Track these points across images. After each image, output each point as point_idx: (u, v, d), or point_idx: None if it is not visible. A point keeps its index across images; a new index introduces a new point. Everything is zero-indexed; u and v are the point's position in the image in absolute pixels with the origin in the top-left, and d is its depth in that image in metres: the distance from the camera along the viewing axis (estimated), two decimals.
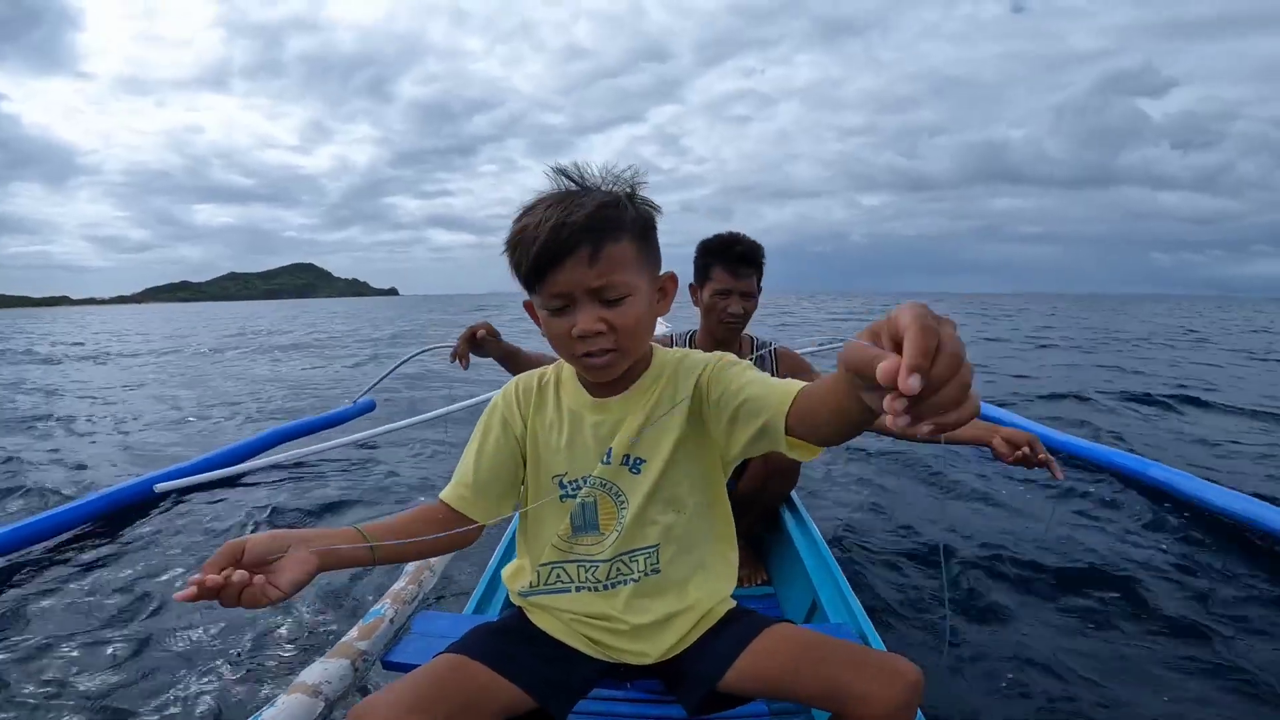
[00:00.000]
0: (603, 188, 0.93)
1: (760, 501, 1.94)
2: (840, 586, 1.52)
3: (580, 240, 0.86)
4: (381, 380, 4.83)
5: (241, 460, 3.42)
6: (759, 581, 1.95)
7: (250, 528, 2.87)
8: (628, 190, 0.94)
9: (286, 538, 0.79)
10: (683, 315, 1.97)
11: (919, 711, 1.03)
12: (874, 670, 0.87)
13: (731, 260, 1.83)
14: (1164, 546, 2.49)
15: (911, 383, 0.44)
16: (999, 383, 7.03)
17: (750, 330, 1.99)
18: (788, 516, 1.98)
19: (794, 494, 2.07)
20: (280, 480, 3.44)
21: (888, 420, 0.47)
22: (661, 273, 0.97)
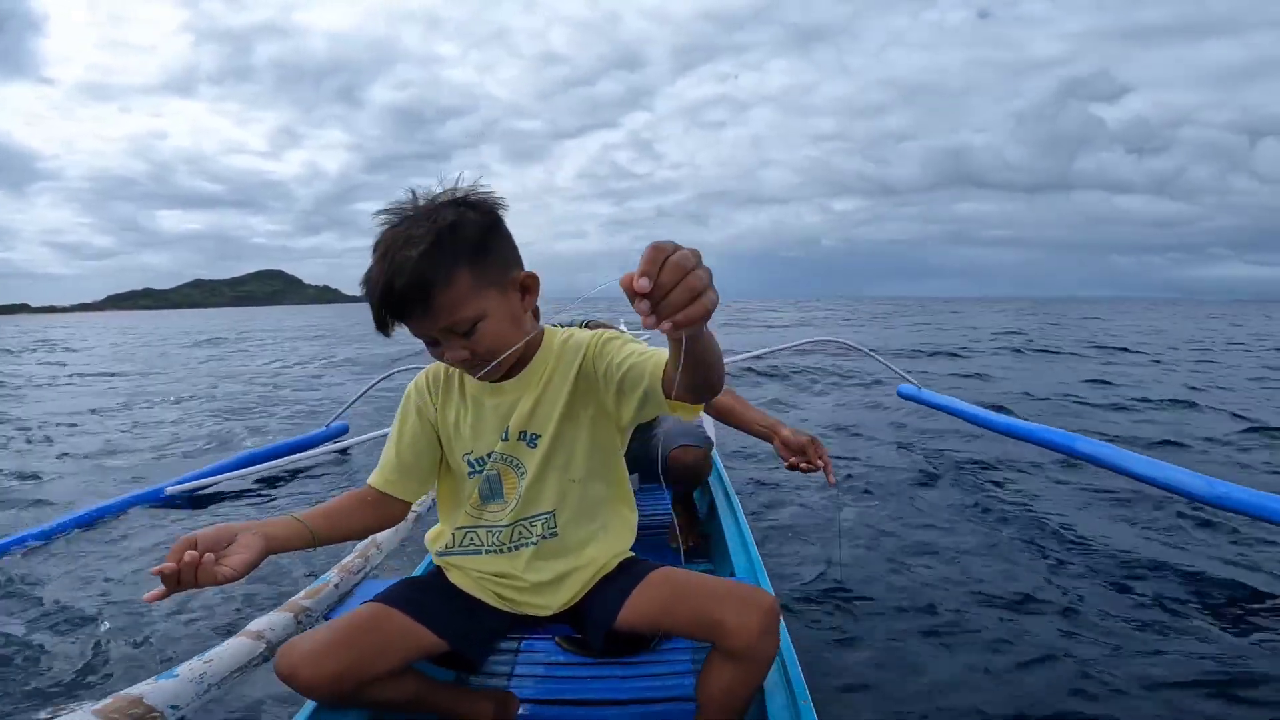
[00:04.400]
0: (428, 207, 0.95)
1: (684, 491, 2.11)
2: (753, 558, 1.66)
3: (408, 302, 0.92)
4: (353, 403, 4.92)
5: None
6: (693, 542, 2.12)
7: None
8: (457, 204, 0.96)
9: (231, 529, 0.90)
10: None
11: (782, 635, 1.16)
12: (734, 601, 0.97)
13: None
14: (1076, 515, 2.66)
15: (641, 283, 0.56)
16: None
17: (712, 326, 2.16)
18: (722, 504, 2.13)
19: (727, 484, 2.21)
20: (242, 503, 3.59)
21: (643, 321, 0.58)
22: (520, 272, 1.01)
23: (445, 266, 0.92)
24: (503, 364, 1.00)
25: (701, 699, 1.00)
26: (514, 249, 1.02)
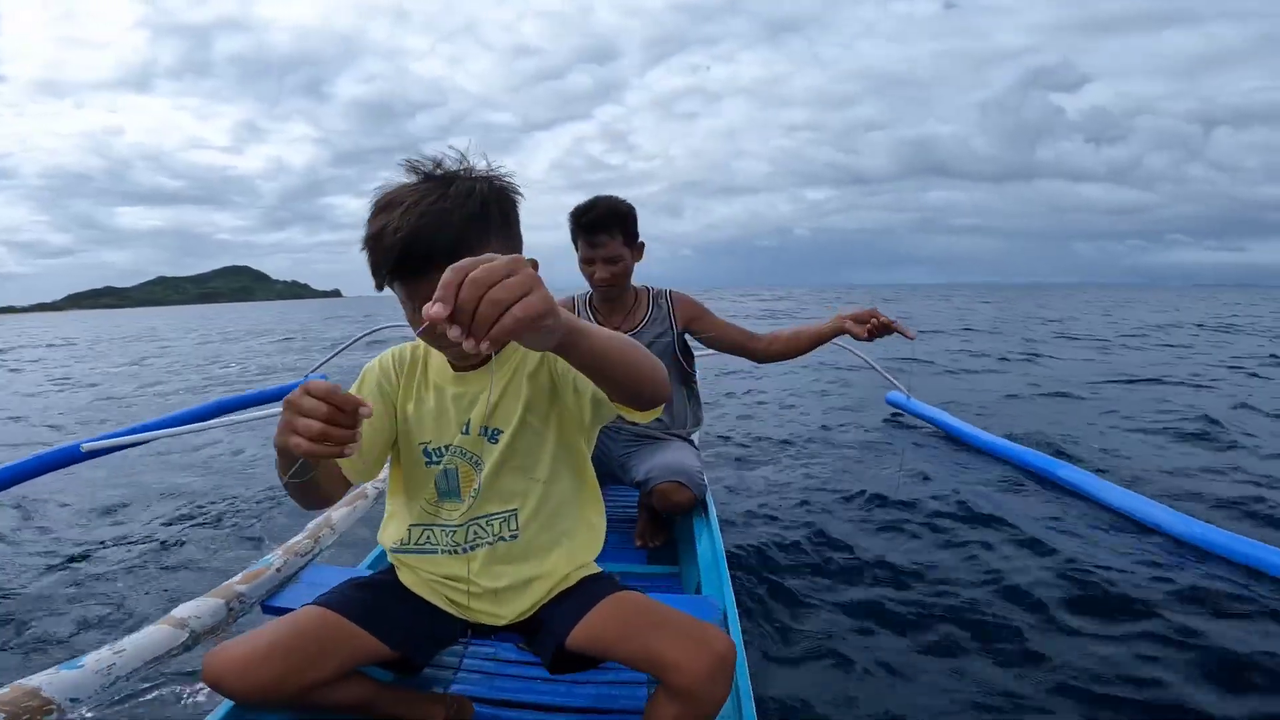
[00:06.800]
0: (463, 172, 0.92)
1: (667, 520, 2.06)
2: (720, 569, 1.59)
3: (441, 249, 0.86)
4: (332, 358, 4.85)
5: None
6: (658, 544, 2.05)
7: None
8: (492, 182, 0.93)
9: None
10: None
11: (740, 681, 1.10)
12: (685, 640, 0.90)
13: (585, 230, 1.89)
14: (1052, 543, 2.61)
15: (434, 310, 0.55)
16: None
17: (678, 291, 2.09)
18: (698, 513, 2.04)
19: (708, 496, 2.09)
20: (214, 443, 3.49)
21: (463, 345, 0.57)
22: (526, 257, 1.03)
23: (479, 231, 0.89)
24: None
25: None
26: (521, 237, 1.00)
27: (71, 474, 3.00)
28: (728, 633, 1.07)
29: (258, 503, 3.12)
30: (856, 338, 1.75)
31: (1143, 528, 2.53)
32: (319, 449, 0.71)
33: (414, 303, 0.92)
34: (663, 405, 0.86)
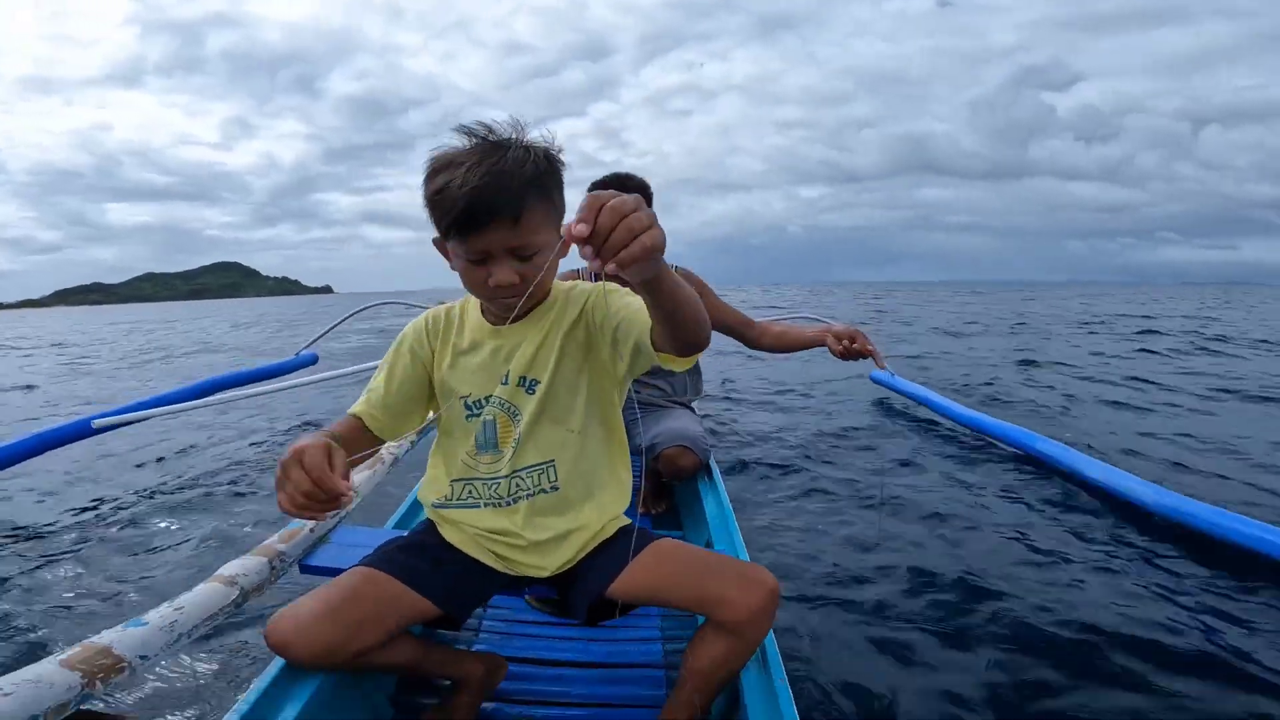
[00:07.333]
0: (516, 138, 0.97)
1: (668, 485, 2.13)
2: (730, 526, 1.64)
3: (504, 205, 0.92)
4: (325, 335, 4.86)
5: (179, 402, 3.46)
6: (661, 509, 2.12)
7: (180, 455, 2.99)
8: (544, 151, 0.98)
9: (321, 445, 0.85)
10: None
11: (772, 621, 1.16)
12: (736, 577, 0.98)
13: None
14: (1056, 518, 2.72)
15: (579, 228, 0.62)
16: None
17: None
18: (702, 477, 2.08)
19: (712, 461, 2.13)
20: (211, 421, 3.54)
21: (589, 265, 0.63)
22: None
23: (542, 189, 0.96)
24: (525, 304, 1.03)
25: (686, 670, 1.01)
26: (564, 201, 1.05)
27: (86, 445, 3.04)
28: None
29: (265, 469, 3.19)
30: (833, 353, 1.84)
31: (1117, 500, 2.61)
32: (299, 515, 0.82)
33: (469, 257, 0.98)
34: (699, 353, 0.91)
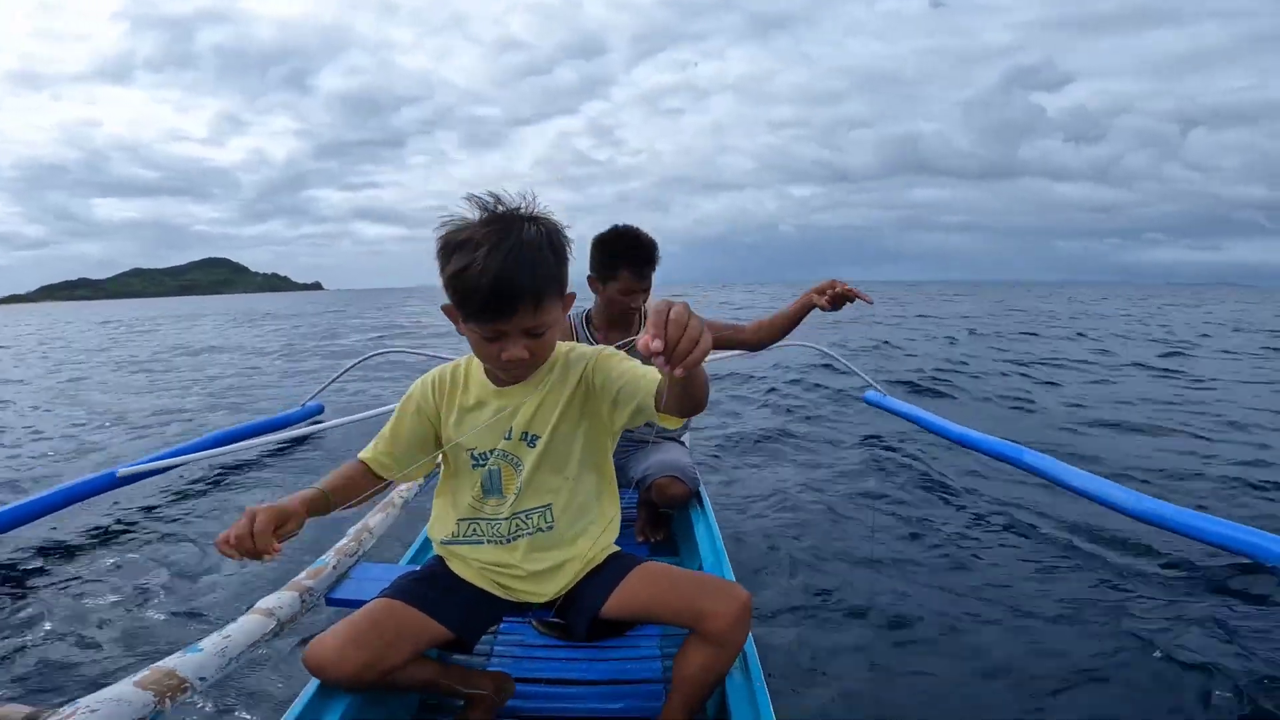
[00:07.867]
0: (525, 210, 1.04)
1: (664, 514, 2.24)
2: (719, 550, 1.79)
3: (524, 297, 0.99)
4: (329, 385, 4.97)
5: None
6: (659, 538, 2.28)
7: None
8: (550, 224, 1.06)
9: (283, 508, 1.08)
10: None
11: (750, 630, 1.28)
12: (716, 592, 1.12)
13: (638, 264, 2.02)
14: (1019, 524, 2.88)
15: (656, 345, 0.71)
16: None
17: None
18: (693, 504, 2.21)
19: (702, 489, 2.25)
20: (219, 476, 3.67)
21: (660, 371, 0.75)
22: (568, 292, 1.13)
23: (556, 273, 1.04)
24: (531, 371, 1.14)
25: (677, 678, 1.15)
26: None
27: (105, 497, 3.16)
28: None
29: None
30: (822, 309, 1.91)
31: (1100, 506, 2.75)
32: (223, 551, 1.04)
33: (489, 336, 1.05)
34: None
